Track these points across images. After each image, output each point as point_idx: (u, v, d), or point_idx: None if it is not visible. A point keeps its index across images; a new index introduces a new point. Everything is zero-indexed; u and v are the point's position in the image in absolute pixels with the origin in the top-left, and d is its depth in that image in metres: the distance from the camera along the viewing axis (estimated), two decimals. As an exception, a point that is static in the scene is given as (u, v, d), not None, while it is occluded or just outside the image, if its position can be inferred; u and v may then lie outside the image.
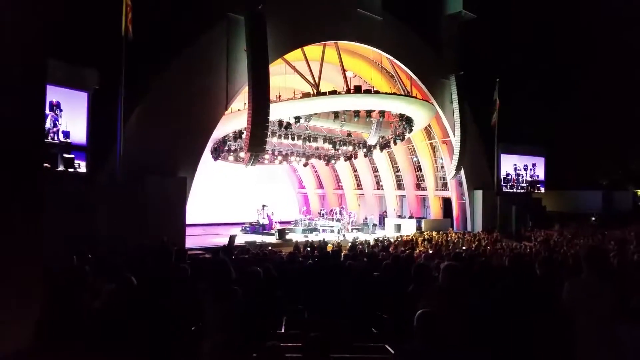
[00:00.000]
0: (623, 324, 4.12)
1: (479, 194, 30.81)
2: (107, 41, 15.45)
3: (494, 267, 7.19)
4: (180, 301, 5.20)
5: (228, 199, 34.47)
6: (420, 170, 33.87)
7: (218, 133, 23.39)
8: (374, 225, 30.53)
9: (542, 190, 34.13)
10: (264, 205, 29.80)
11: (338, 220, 30.71)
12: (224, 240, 23.86)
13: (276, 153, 29.99)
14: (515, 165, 33.08)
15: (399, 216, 33.62)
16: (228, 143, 26.87)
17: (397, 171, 35.42)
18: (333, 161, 32.12)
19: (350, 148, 29.19)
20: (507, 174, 32.72)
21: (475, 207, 30.98)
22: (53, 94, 15.19)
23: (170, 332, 4.78)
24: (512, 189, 32.68)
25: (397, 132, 27.40)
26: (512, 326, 4.55)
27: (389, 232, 29.00)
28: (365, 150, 28.96)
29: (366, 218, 31.27)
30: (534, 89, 41.46)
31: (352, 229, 30.49)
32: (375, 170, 37.12)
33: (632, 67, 38.38)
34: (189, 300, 5.32)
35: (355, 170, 38.23)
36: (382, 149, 29.04)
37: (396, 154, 33.94)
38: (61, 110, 15.43)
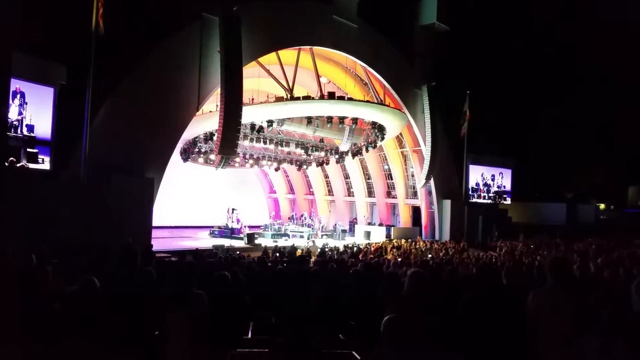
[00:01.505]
0: (585, 335, 4.16)
1: (447, 203, 31.24)
2: (77, 36, 15.14)
3: (461, 276, 7.29)
4: (144, 304, 5.10)
5: (197, 202, 34.22)
6: (391, 178, 34.17)
7: (188, 134, 23.15)
8: (344, 231, 30.62)
9: (509, 201, 34.89)
10: (233, 209, 29.58)
11: (308, 226, 30.67)
12: (192, 244, 23.66)
13: (247, 156, 29.88)
14: (483, 175, 33.74)
15: (369, 223, 33.82)
16: (198, 144, 26.60)
17: (368, 178, 35.64)
18: (305, 166, 32.07)
19: (323, 154, 29.22)
20: (476, 184, 33.32)
21: (443, 216, 31.36)
22: (19, 88, 14.76)
23: (134, 335, 4.68)
24: (480, 199, 33.33)
25: (369, 140, 27.58)
26: (481, 333, 4.58)
27: (358, 239, 29.12)
28: (337, 156, 29.00)
29: (336, 224, 31.39)
30: (504, 101, 42.35)
31: (322, 235, 30.54)
32: (346, 176, 37.32)
33: (605, 80, 39.45)
34: (153, 303, 5.22)
35: (326, 176, 38.35)
36: (354, 155, 29.07)
37: (368, 161, 34.14)
38: (26, 103, 15.01)
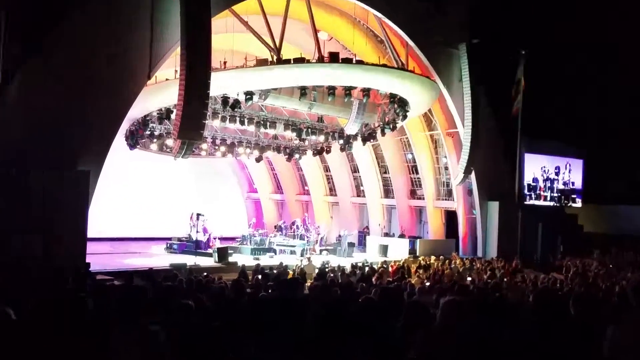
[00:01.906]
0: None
1: (494, 206, 31.41)
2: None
3: (512, 306, 7.34)
4: (77, 343, 5.13)
5: (148, 205, 34.43)
6: (417, 172, 34.14)
7: (137, 111, 23.21)
8: (351, 245, 30.83)
9: (579, 203, 35.04)
10: (198, 215, 29.61)
11: (302, 238, 30.87)
12: (142, 262, 23.63)
13: (218, 142, 29.91)
14: (543, 168, 33.80)
15: (386, 234, 33.92)
16: (150, 126, 26.59)
17: (385, 172, 35.55)
18: (297, 156, 32.10)
19: (322, 138, 29.31)
20: (534, 180, 33.41)
21: (489, 225, 31.57)
22: None
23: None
24: (539, 201, 33.46)
25: (387, 119, 27.61)
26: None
27: (371, 256, 29.21)
28: (342, 142, 29.08)
29: (340, 235, 31.52)
30: (571, 68, 41.76)
31: (321, 250, 30.69)
32: (354, 170, 37.17)
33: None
34: (89, 341, 5.25)
35: (327, 170, 38.20)
36: (365, 141, 29.19)
37: (384, 148, 34.12)
38: None
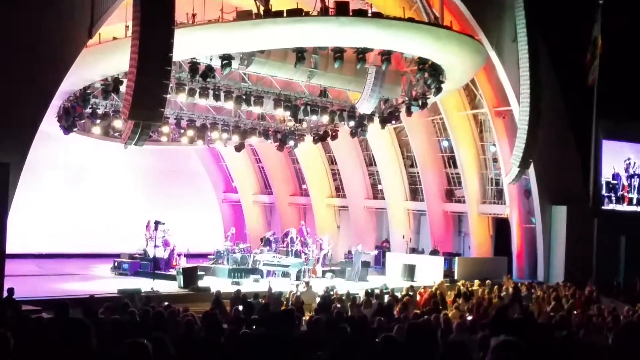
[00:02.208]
0: None
1: (560, 212, 31.40)
2: None
3: (586, 348, 7.34)
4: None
5: (89, 210, 34.36)
6: (454, 166, 34.29)
7: (73, 82, 23.24)
8: (366, 265, 30.83)
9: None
10: (157, 223, 29.45)
11: (298, 255, 30.89)
12: (81, 287, 23.65)
13: (184, 124, 30.03)
14: (628, 160, 33.67)
15: (413, 250, 33.98)
16: (92, 102, 26.46)
17: (412, 165, 35.59)
18: (292, 143, 32.20)
19: (325, 119, 29.39)
20: (614, 177, 33.43)
21: (553, 238, 31.55)
22: None
23: None
24: (621, 205, 33.45)
25: (414, 93, 27.60)
26: None
27: (393, 280, 29.11)
28: (352, 124, 29.21)
29: (351, 252, 31.42)
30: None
31: (325, 272, 30.79)
32: (370, 162, 37.23)
33: None
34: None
35: (332, 162, 38.30)
36: (384, 122, 29.29)
37: (410, 133, 34.24)
38: None
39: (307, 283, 24.06)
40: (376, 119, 28.76)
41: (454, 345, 6.23)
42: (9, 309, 10.72)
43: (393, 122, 29.79)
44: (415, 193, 35.76)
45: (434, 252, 32.30)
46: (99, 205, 34.71)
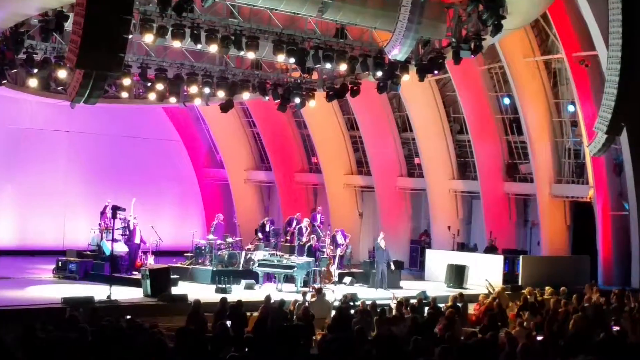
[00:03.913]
0: None
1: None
2: None
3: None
4: None
5: (23, 193, 34.70)
6: (519, 132, 34.80)
7: (1, 18, 23.14)
8: (398, 265, 31.04)
9: None
10: (115, 209, 29.48)
11: (308, 251, 30.92)
12: (11, 296, 23.73)
13: (152, 74, 29.94)
14: None
15: (462, 246, 34.31)
16: (27, 44, 26.30)
17: (460, 131, 36.15)
18: (298, 101, 32.07)
19: (343, 67, 29.23)
20: None
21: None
22: None
23: None
24: None
25: (464, 32, 27.46)
26: None
27: (434, 286, 29.38)
28: (380, 74, 29.10)
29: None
30: None
31: (342, 275, 31.14)
32: (404, 127, 37.81)
33: None
34: None
35: (353, 127, 38.89)
36: (423, 72, 29.20)
37: (460, 88, 34.48)
38: None
39: (319, 290, 24.07)
40: (412, 68, 28.58)
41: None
42: None
43: (435, 72, 29.67)
44: (464, 168, 35.88)
45: (491, 249, 32.38)
46: (37, 185, 34.78)
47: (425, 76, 29.65)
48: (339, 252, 31.94)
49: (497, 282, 29.28)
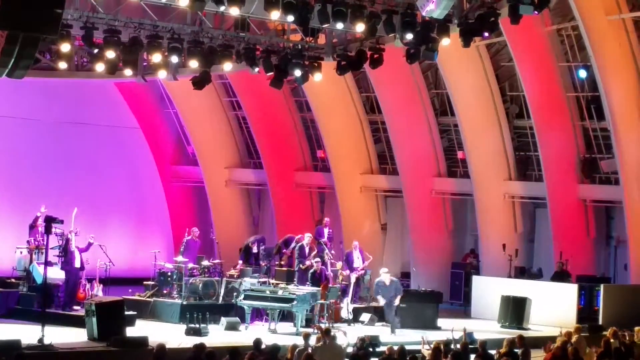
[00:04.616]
0: None
1: None
2: None
3: None
4: None
5: None
6: (599, 117, 34.90)
7: None
8: (434, 299, 31.13)
9: None
10: (50, 221, 29.41)
11: (310, 280, 31.13)
12: None
13: (100, 37, 29.87)
14: None
15: (523, 271, 34.41)
16: None
17: (520, 115, 36.39)
18: (298, 73, 32.14)
19: (360, 28, 29.26)
20: None
21: None
22: None
23: None
24: None
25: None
26: None
27: (483, 325, 29.48)
28: (411, 37, 29.06)
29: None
30: None
31: (358, 310, 31.41)
32: (442, 109, 38.14)
33: None
34: None
35: (373, 109, 39.22)
36: (469, 35, 29.20)
37: (518, 56, 34.42)
38: None
39: (326, 332, 23.94)
40: (454, 30, 28.42)
41: None
42: None
43: (485, 35, 29.48)
44: (525, 166, 35.79)
45: (561, 276, 32.32)
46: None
47: (472, 40, 29.43)
48: (353, 278, 31.84)
49: (570, 321, 29.12)
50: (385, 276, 30.42)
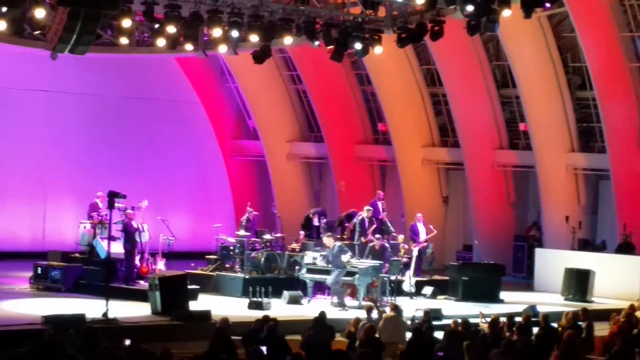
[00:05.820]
0: None
1: None
2: None
3: None
4: None
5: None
6: None
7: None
8: (497, 272, 31.08)
9: None
10: (113, 197, 29.50)
11: (375, 253, 31.17)
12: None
13: (160, 12, 29.66)
14: None
15: (586, 243, 34.47)
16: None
17: (582, 87, 36.14)
18: (358, 47, 31.98)
19: (420, 0, 29.10)
20: None
21: None
22: None
23: None
24: None
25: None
26: None
27: (546, 298, 29.40)
28: (472, 8, 28.51)
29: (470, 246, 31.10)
30: None
31: (421, 284, 31.53)
32: (503, 81, 38.15)
33: None
34: None
35: (433, 81, 39.34)
36: (530, 6, 28.75)
37: (580, 27, 34.00)
38: None
39: (394, 307, 23.94)
40: (515, 1, 28.27)
41: None
42: None
43: (547, 5, 29.32)
44: (588, 138, 35.63)
45: (626, 248, 32.12)
46: (6, 167, 34.95)
47: (533, 11, 29.30)
48: (415, 251, 31.80)
49: (635, 293, 29.01)
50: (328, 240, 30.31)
